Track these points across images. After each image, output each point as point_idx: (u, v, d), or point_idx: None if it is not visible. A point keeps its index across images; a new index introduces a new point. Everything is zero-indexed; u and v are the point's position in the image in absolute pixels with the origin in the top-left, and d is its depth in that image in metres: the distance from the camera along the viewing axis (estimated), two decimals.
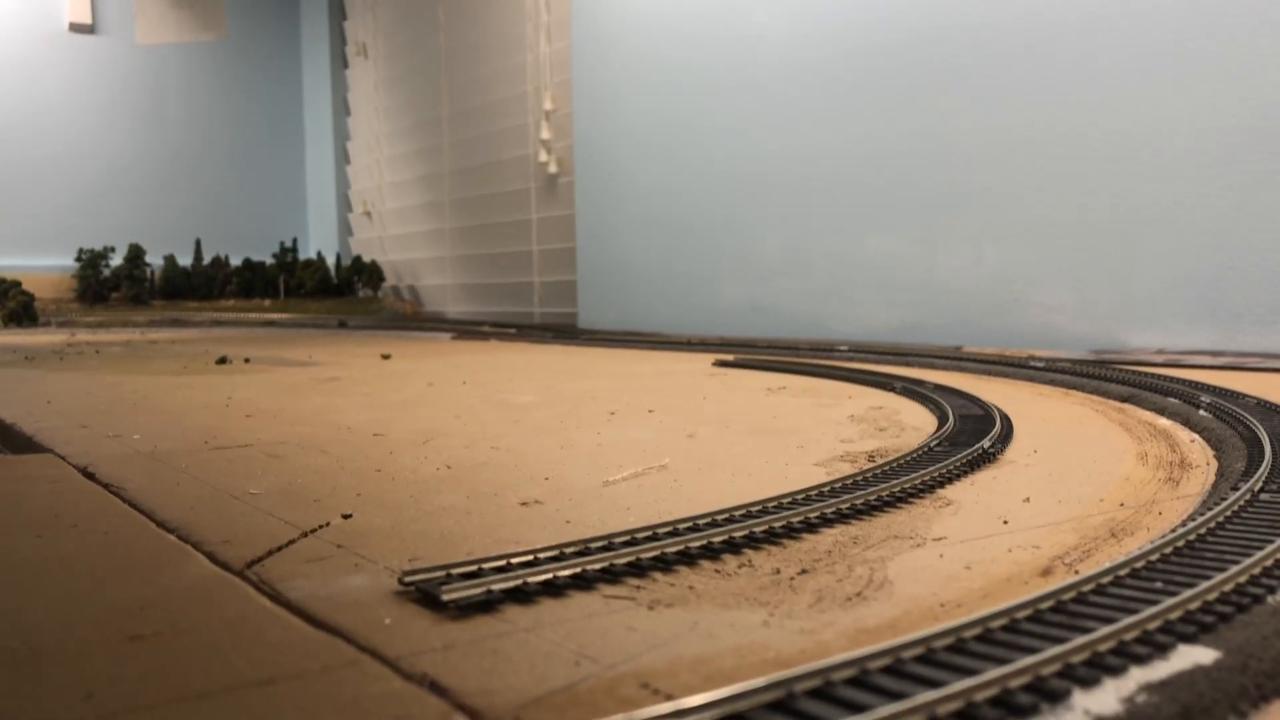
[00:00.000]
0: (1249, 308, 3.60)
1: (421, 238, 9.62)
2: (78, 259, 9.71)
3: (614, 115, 6.64)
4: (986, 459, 1.75)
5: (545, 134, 7.53)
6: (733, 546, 1.17)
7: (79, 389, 3.38)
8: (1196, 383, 2.59)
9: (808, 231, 5.32)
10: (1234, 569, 0.95)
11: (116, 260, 9.81)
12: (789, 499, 1.36)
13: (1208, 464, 1.72)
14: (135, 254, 9.81)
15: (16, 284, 9.08)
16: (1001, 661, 0.75)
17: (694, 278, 6.07)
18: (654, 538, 1.16)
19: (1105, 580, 0.95)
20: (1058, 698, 0.71)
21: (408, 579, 1.01)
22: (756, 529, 1.22)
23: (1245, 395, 2.30)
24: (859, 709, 0.67)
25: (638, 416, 2.46)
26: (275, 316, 9.66)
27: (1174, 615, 0.86)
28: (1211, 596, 0.91)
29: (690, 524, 1.21)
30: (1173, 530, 1.12)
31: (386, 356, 4.83)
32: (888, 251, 4.91)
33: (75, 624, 0.95)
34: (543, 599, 1.00)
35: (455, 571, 1.02)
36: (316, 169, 11.44)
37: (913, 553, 1.17)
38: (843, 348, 4.48)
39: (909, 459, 1.68)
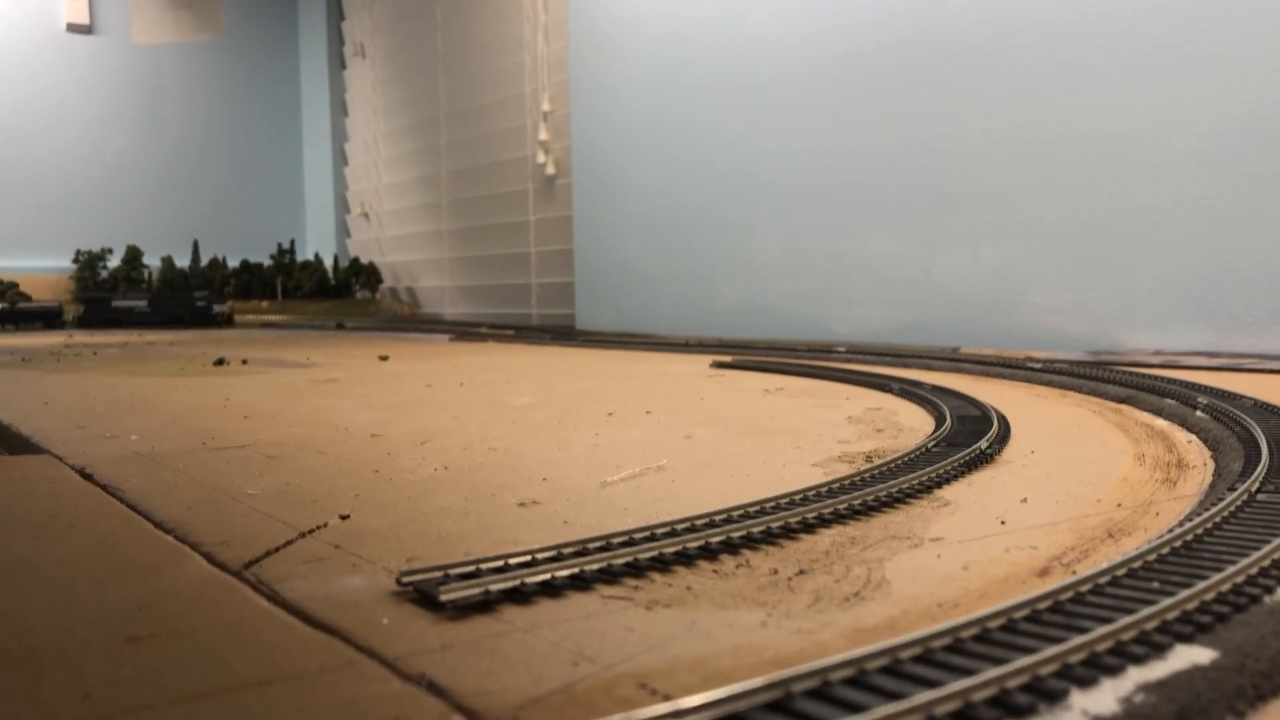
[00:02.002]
0: (1246, 309, 3.61)
1: (419, 239, 9.62)
2: (75, 260, 9.71)
3: (612, 116, 6.64)
4: (984, 460, 1.75)
5: (543, 135, 7.53)
6: (730, 547, 1.17)
7: (76, 390, 3.38)
8: (1194, 384, 2.60)
9: (806, 232, 5.32)
10: (1231, 569, 0.95)
11: (114, 261, 9.80)
12: (786, 500, 1.36)
13: (1205, 465, 1.72)
14: (133, 255, 9.80)
15: (14, 285, 9.08)
16: (999, 662, 0.75)
17: (692, 279, 6.07)
18: (652, 538, 1.15)
19: (1103, 580, 0.95)
20: (1055, 698, 0.71)
21: (405, 579, 1.01)
22: (754, 529, 1.22)
23: (1242, 396, 2.30)
24: (857, 709, 0.67)
25: (636, 417, 2.46)
26: (273, 318, 9.66)
27: (1171, 615, 0.86)
28: (1209, 597, 0.91)
29: (688, 524, 1.21)
30: (1170, 530, 1.12)
31: (384, 358, 4.83)
32: (886, 252, 4.91)
33: (73, 625, 0.95)
34: (541, 599, 1.00)
35: (453, 572, 1.02)
36: (314, 170, 11.44)
37: (910, 553, 1.17)
38: (840, 349, 4.48)
39: (907, 460, 1.69)
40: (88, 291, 9.34)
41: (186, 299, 9.08)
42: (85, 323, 8.83)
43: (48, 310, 9.00)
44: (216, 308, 9.04)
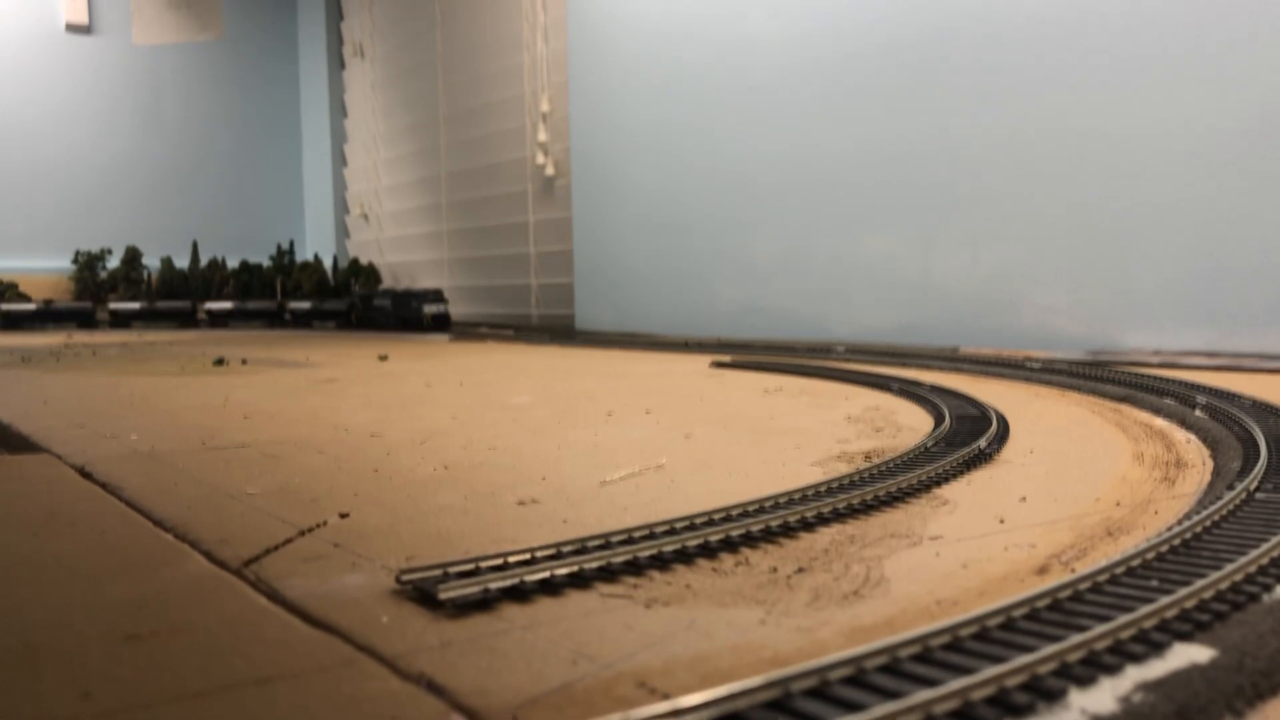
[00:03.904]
0: (1245, 309, 3.61)
1: (418, 240, 9.62)
2: (74, 261, 9.70)
3: (611, 116, 6.64)
4: (983, 459, 1.75)
5: (542, 136, 7.53)
6: (730, 545, 1.17)
7: (76, 389, 3.38)
8: (1192, 383, 2.60)
9: (804, 232, 5.32)
10: (1230, 567, 0.95)
11: (113, 262, 9.80)
12: (786, 498, 1.36)
13: (1203, 463, 1.72)
14: (132, 256, 9.80)
15: (13, 286, 9.08)
16: (998, 660, 0.75)
17: (691, 279, 6.07)
18: (651, 536, 1.16)
19: (1101, 579, 0.95)
20: (1054, 697, 0.72)
21: (405, 578, 1.01)
22: (753, 528, 1.22)
23: (1241, 396, 2.30)
24: (856, 708, 0.67)
25: (635, 417, 2.46)
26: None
27: (1170, 614, 0.86)
28: (1207, 595, 0.91)
29: (687, 523, 1.21)
30: (1169, 529, 1.12)
31: (384, 358, 4.82)
32: (884, 252, 4.91)
33: (73, 623, 0.95)
34: (540, 597, 1.00)
35: (452, 570, 1.02)
36: (314, 171, 11.43)
37: (909, 551, 1.17)
38: (839, 348, 4.48)
39: (906, 459, 1.68)
40: (362, 291, 8.94)
41: (407, 299, 8.05)
42: (361, 323, 8.37)
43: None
44: (428, 309, 7.79)
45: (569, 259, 7.23)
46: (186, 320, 9.44)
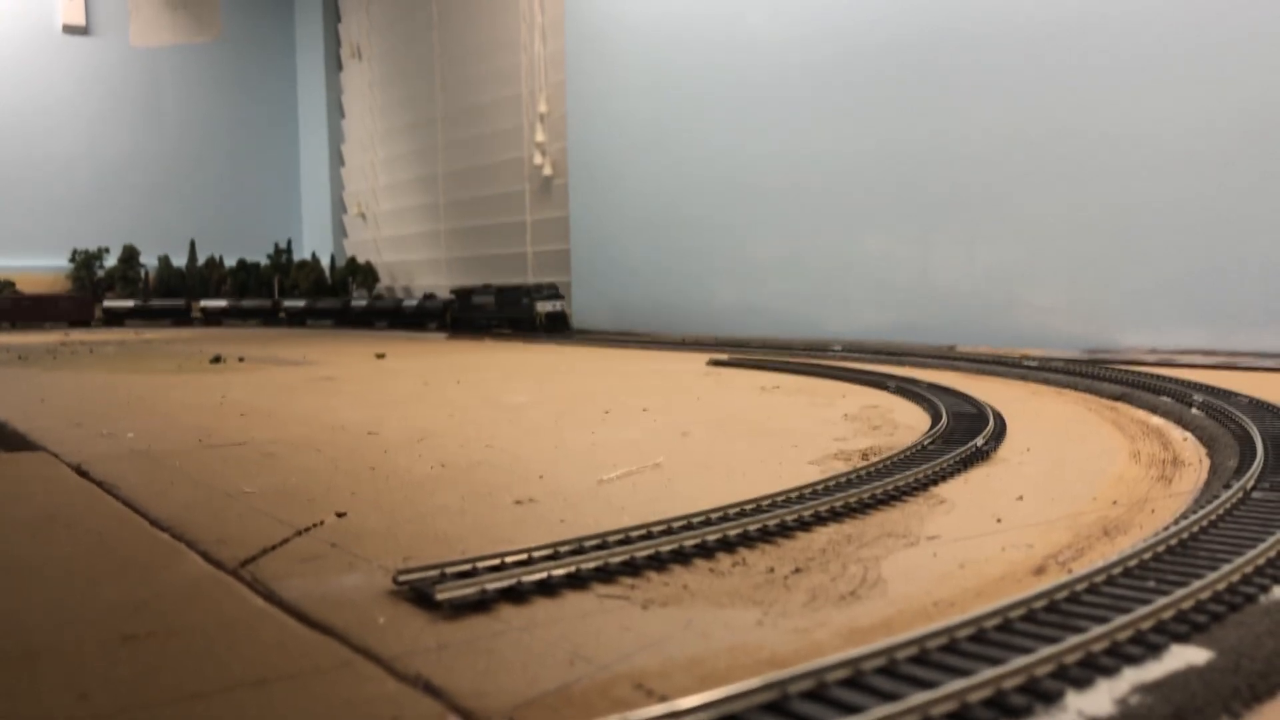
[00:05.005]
0: (1242, 307, 3.61)
1: (415, 239, 9.62)
2: (72, 260, 9.69)
3: (608, 116, 6.64)
4: (980, 457, 1.75)
5: (539, 136, 7.52)
6: (727, 545, 1.17)
7: (73, 388, 3.37)
8: (1189, 382, 2.60)
9: (802, 232, 5.32)
10: (1227, 568, 0.95)
11: (111, 261, 9.79)
12: (783, 498, 1.35)
13: (1200, 462, 1.72)
14: (129, 255, 9.80)
15: (10, 284, 9.07)
16: (995, 662, 0.75)
17: (688, 278, 6.07)
18: (648, 536, 1.15)
19: (1098, 579, 0.95)
20: (1051, 698, 0.72)
21: (402, 578, 1.01)
22: (750, 528, 1.22)
23: (1238, 394, 2.30)
24: (853, 710, 0.67)
25: (632, 416, 2.45)
26: None
27: (1167, 615, 0.86)
28: (1204, 595, 0.91)
29: (684, 523, 1.21)
30: (1165, 528, 1.12)
31: (381, 356, 4.82)
32: (882, 252, 4.91)
33: (70, 624, 0.95)
34: (537, 598, 0.99)
35: (449, 571, 1.02)
36: (311, 170, 11.43)
37: (906, 551, 1.17)
38: (837, 347, 4.48)
39: (903, 457, 1.68)
40: (460, 286, 7.90)
41: (516, 295, 6.93)
42: (456, 321, 7.49)
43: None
44: (542, 306, 6.63)
45: (566, 258, 7.23)
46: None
